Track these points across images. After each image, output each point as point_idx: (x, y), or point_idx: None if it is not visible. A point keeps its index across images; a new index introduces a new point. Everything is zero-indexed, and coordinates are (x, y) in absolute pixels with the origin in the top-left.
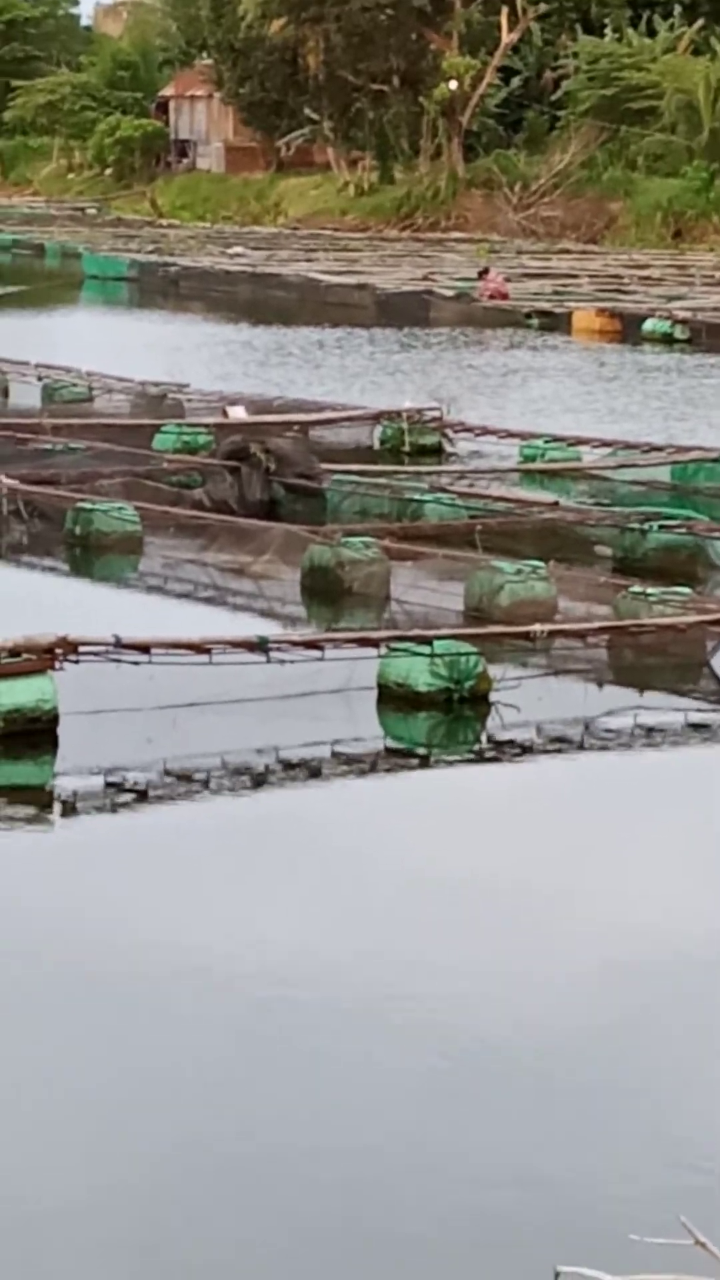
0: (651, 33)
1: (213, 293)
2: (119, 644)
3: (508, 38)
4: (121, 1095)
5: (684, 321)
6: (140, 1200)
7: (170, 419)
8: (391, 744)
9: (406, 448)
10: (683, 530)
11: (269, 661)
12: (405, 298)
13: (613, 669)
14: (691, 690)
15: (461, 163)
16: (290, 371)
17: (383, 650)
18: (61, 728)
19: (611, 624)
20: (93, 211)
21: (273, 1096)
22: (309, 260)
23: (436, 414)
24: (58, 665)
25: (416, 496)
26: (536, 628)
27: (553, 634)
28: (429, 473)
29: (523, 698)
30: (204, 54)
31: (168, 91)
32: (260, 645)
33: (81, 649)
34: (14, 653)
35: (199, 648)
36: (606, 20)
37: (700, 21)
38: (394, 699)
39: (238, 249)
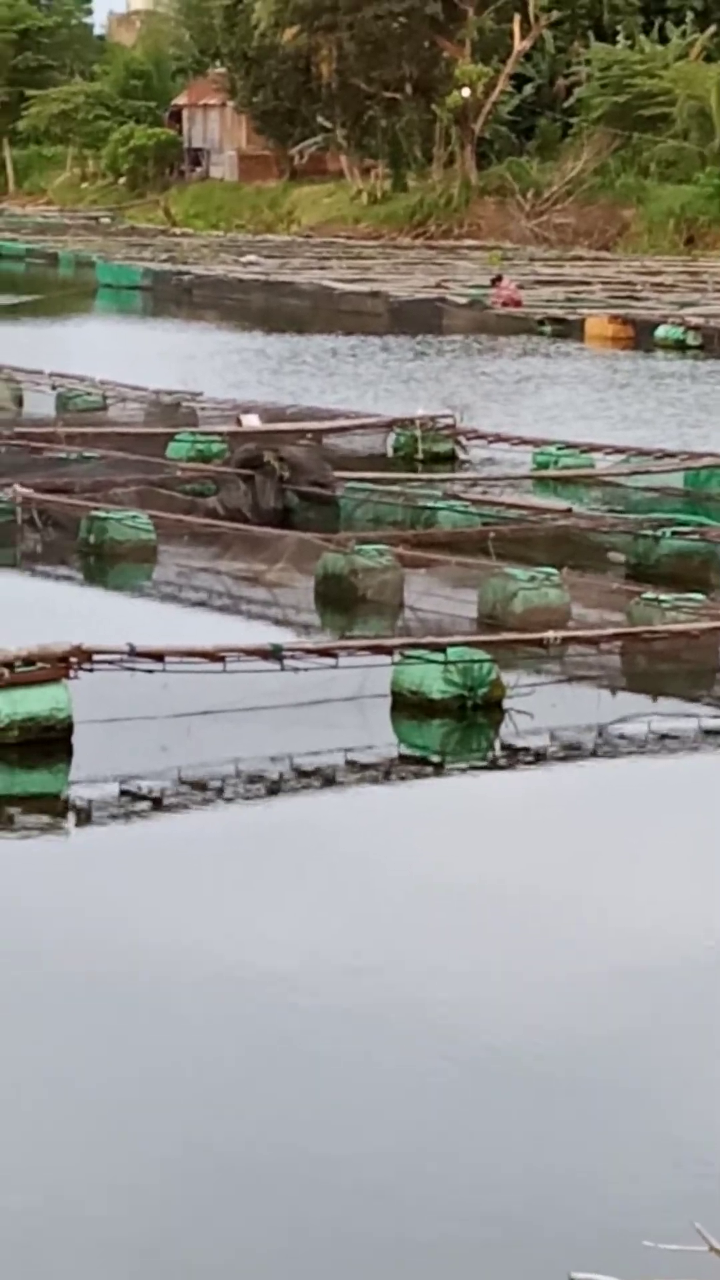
0: (664, 39)
1: (226, 301)
2: (133, 652)
3: (520, 45)
4: (131, 1098)
5: (697, 328)
6: (146, 1201)
7: (184, 427)
8: (405, 751)
9: (420, 455)
10: (696, 536)
11: (283, 669)
12: (418, 305)
13: (626, 676)
14: (705, 697)
15: (474, 170)
16: (304, 379)
17: (396, 657)
18: (76, 736)
19: (625, 630)
20: (106, 220)
21: (284, 1100)
22: (322, 268)
23: (450, 421)
24: (72, 674)
25: (430, 504)
26: (550, 634)
27: (566, 641)
28: (442, 480)
29: (536, 705)
30: (217, 63)
31: (181, 100)
32: (274, 653)
33: (96, 657)
34: (29, 661)
35: (213, 656)
36: (619, 27)
37: (713, 28)
38: (408, 706)
39: (251, 257)
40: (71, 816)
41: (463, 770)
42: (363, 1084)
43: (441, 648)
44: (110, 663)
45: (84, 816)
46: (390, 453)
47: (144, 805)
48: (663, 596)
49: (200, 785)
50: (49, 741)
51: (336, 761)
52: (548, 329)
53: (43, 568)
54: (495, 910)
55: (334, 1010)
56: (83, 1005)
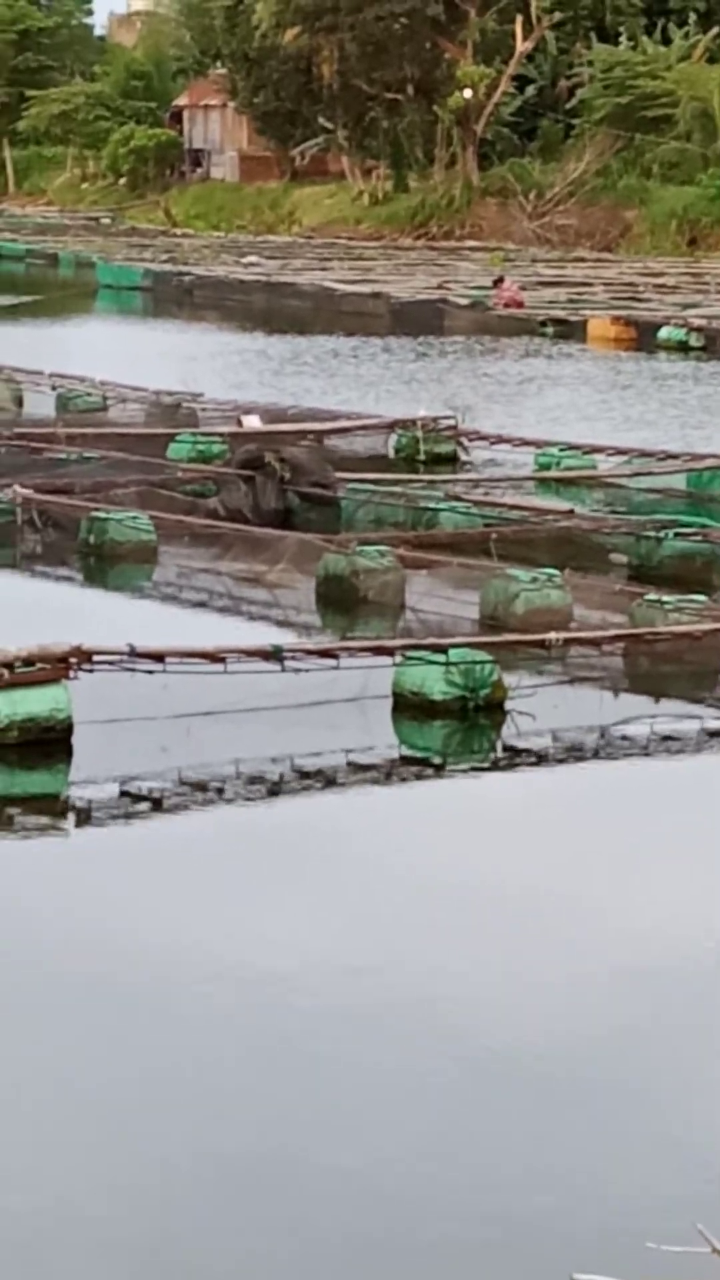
0: (666, 41)
1: (227, 302)
2: (133, 653)
3: (522, 46)
4: (131, 1098)
5: (699, 329)
6: (146, 1201)
7: (185, 428)
8: (406, 752)
9: (421, 456)
10: (698, 538)
11: (284, 670)
12: (420, 306)
13: (628, 677)
14: (707, 698)
15: (476, 171)
16: (305, 380)
17: (398, 659)
18: (76, 737)
19: (627, 632)
20: (107, 221)
21: (283, 1100)
22: (323, 269)
23: (451, 422)
24: (72, 674)
25: (431, 505)
26: (552, 636)
27: (568, 642)
28: (444, 481)
29: (538, 706)
30: (218, 63)
31: (182, 101)
32: (275, 654)
33: (96, 658)
34: (28, 662)
35: (213, 656)
36: (621, 28)
37: (715, 30)
38: (409, 707)
39: (252, 258)
40: (71, 817)
41: (464, 771)
42: (363, 1084)
43: (443, 649)
44: (110, 663)
45: (84, 817)
46: (392, 454)
47: (144, 806)
48: (665, 598)
49: (200, 786)
50: (49, 742)
51: (337, 763)
52: (550, 330)
53: (43, 568)
54: (496, 911)
55: (334, 1010)
56: (83, 1005)
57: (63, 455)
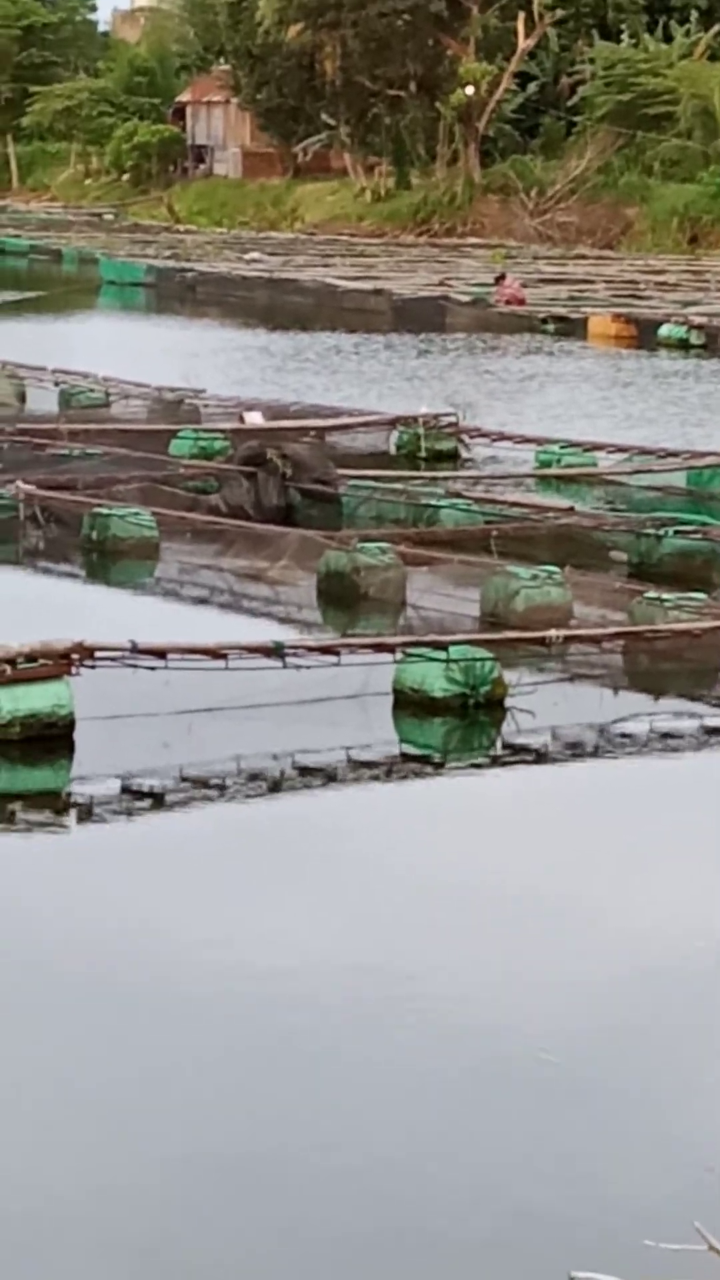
0: (668, 38)
1: (230, 298)
2: (135, 649)
3: (524, 43)
4: (131, 1097)
5: (700, 327)
6: (145, 1201)
7: (187, 424)
8: (407, 749)
9: (423, 453)
10: (698, 536)
11: (285, 667)
12: (422, 303)
13: (628, 674)
14: (707, 696)
15: (478, 168)
16: (307, 377)
17: (398, 655)
18: (78, 733)
19: (627, 629)
20: (110, 217)
21: (281, 1099)
22: (326, 266)
23: (453, 419)
24: (74, 670)
25: (432, 502)
26: (552, 633)
27: (568, 639)
28: (445, 478)
29: (538, 703)
30: (221, 60)
31: (185, 97)
32: (276, 650)
33: (98, 654)
34: (30, 658)
35: (215, 653)
36: (623, 26)
37: (717, 27)
38: (409, 704)
39: (254, 254)
40: (73, 813)
41: (464, 768)
42: (362, 1083)
43: (443, 646)
44: (112, 659)
45: (85, 813)
46: (393, 451)
47: (145, 802)
48: (665, 595)
49: (202, 782)
50: (51, 738)
51: (338, 759)
52: (551, 327)
53: (45, 564)
54: (496, 909)
55: (334, 1009)
56: (83, 1003)
57: (65, 451)
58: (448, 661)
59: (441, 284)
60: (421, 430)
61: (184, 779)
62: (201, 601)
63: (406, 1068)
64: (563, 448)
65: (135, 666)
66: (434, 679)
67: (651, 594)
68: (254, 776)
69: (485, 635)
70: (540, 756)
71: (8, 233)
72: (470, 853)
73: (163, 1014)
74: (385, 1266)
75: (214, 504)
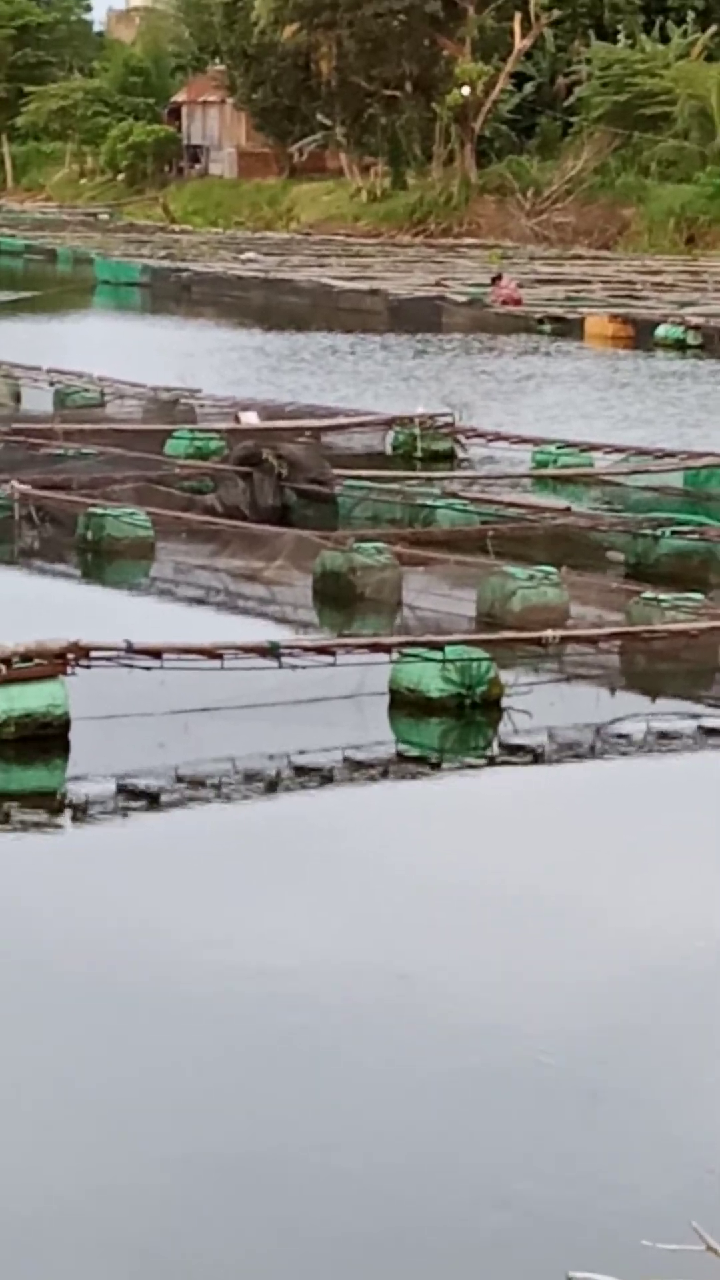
0: (665, 39)
1: (225, 298)
2: (130, 649)
3: (521, 43)
4: (128, 1096)
5: (696, 327)
6: (144, 1200)
7: (182, 424)
8: (403, 749)
9: (419, 453)
10: (695, 536)
11: (280, 667)
12: (418, 304)
13: (625, 675)
14: (704, 696)
15: (474, 169)
16: (303, 377)
17: (394, 656)
18: (73, 733)
19: (623, 630)
20: (105, 217)
21: (280, 1099)
22: (321, 266)
23: (449, 420)
24: (69, 670)
25: (428, 502)
26: (548, 633)
27: (565, 640)
28: (441, 478)
29: (534, 703)
30: (216, 59)
31: (180, 97)
32: (272, 650)
33: (93, 654)
34: (26, 658)
35: (211, 653)
36: (620, 26)
37: (714, 28)
38: (406, 704)
39: (250, 254)
40: (68, 813)
41: (460, 769)
42: (360, 1082)
43: (440, 646)
44: (108, 659)
45: (81, 813)
46: (389, 451)
47: (141, 802)
48: (662, 596)
49: (198, 783)
50: (46, 738)
51: (334, 759)
52: (547, 328)
53: (40, 564)
54: (493, 909)
55: (332, 1008)
56: (80, 1003)
57: (60, 451)
58: (444, 662)
59: (438, 284)
60: (418, 430)
61: (180, 779)
62: (197, 601)
63: (405, 1067)
64: (559, 448)
65: (131, 666)
66: (430, 679)
67: (648, 594)
68: (250, 776)
69: (482, 635)
70: (537, 757)
71: (3, 233)
72: (467, 853)
73: (160, 1014)
74: (384, 1266)
75: (209, 504)
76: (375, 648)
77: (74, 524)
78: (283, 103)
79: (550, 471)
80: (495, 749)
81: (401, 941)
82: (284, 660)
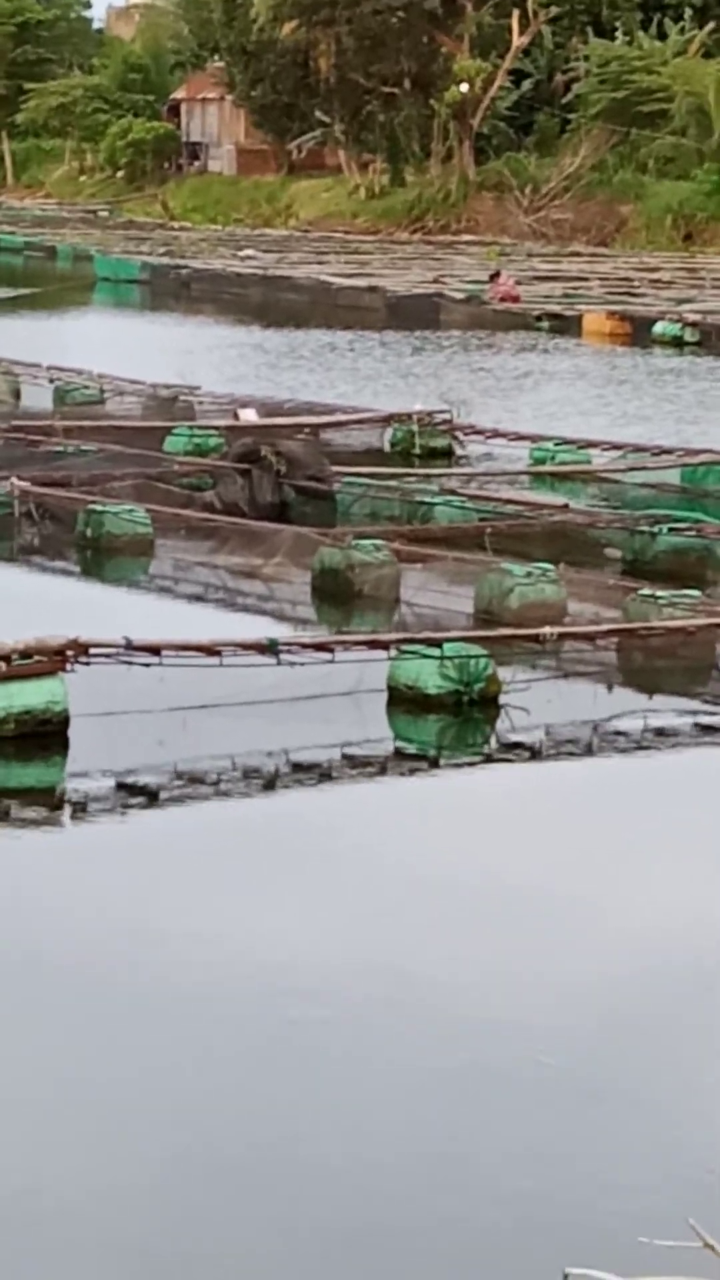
0: (662, 36)
1: (224, 295)
2: (130, 646)
3: (519, 41)
4: (127, 1095)
5: (694, 324)
6: (143, 1200)
7: (181, 421)
8: (401, 746)
9: (417, 450)
10: (693, 533)
11: (279, 664)
12: (416, 301)
13: (622, 672)
14: (701, 693)
15: (472, 166)
16: (301, 374)
17: (393, 653)
18: (72, 730)
19: (621, 627)
20: (104, 214)
21: (278, 1097)
22: (320, 263)
23: (447, 417)
24: (68, 667)
25: (427, 499)
26: (546, 630)
27: (562, 636)
28: (439, 475)
29: (532, 700)
30: (215, 57)
31: (179, 94)
32: (270, 647)
33: (92, 651)
34: (25, 654)
35: (209, 650)
36: (617, 23)
37: (711, 25)
38: (404, 701)
39: (249, 251)
40: (67, 810)
41: (458, 765)
42: (359, 1080)
43: (438, 643)
44: (107, 656)
45: (79, 810)
46: (387, 448)
47: (140, 799)
48: (659, 593)
49: (196, 779)
50: (45, 735)
51: (333, 756)
52: (545, 325)
53: (39, 561)
54: (491, 906)
55: (330, 1005)
56: (77, 1000)
57: (60, 448)
58: (442, 658)
59: (436, 281)
60: (416, 427)
61: (178, 775)
62: (196, 598)
63: (404, 1065)
64: (557, 445)
65: (130, 663)
66: (428, 676)
67: (646, 591)
68: (249, 773)
69: (479, 632)
70: (534, 753)
71: (2, 229)
72: (465, 849)
73: (158, 1010)
74: (383, 1264)
75: (208, 501)
76: (373, 645)
77: (73, 521)
78: (281, 100)
79: (548, 468)
80: (493, 746)
81: (400, 938)
82: (282, 657)
